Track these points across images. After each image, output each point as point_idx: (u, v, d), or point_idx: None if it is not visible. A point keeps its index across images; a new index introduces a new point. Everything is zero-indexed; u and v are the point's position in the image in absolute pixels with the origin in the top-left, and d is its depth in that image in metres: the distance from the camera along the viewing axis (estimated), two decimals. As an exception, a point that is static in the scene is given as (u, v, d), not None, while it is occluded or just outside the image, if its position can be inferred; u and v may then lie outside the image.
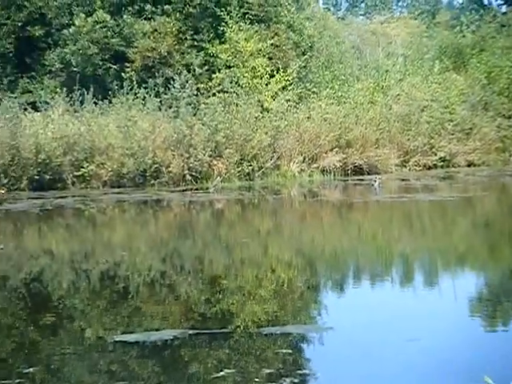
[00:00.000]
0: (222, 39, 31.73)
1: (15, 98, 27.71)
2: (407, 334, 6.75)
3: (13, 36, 33.28)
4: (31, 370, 5.89)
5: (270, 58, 31.52)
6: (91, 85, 28.39)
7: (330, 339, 6.71)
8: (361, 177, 28.00)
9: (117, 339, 6.71)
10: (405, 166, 30.97)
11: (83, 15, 32.08)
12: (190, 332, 6.86)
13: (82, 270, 10.75)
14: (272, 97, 30.28)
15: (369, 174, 28.59)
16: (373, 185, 23.94)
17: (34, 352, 6.54)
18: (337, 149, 28.88)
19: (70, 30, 32.09)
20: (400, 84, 34.56)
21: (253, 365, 6.01)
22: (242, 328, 7.14)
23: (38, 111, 27.09)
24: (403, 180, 27.37)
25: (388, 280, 10.09)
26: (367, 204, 20.11)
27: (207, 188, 24.29)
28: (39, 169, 24.46)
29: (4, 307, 8.59)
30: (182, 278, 10.15)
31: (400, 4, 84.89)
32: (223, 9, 31.40)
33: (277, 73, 30.82)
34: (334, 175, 28.60)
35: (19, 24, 33.24)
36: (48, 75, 32.93)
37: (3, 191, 23.68)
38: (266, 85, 30.69)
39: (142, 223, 17.32)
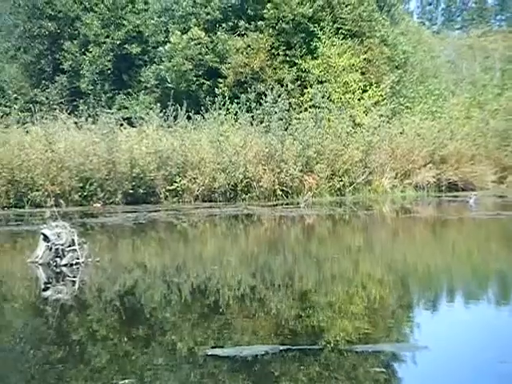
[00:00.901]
0: (315, 54, 31.79)
1: (112, 113, 28.52)
2: (503, 356, 6.51)
3: (111, 54, 34.34)
4: (126, 381, 5.96)
5: (363, 73, 31.34)
6: (185, 100, 28.95)
7: (423, 359, 6.54)
8: (455, 193, 27.43)
9: (208, 353, 6.73)
10: (502, 183, 30.22)
11: (179, 33, 32.79)
12: (281, 347, 6.81)
13: (173, 284, 10.87)
14: (364, 112, 30.09)
15: (464, 190, 28.01)
16: (468, 201, 23.41)
17: (128, 363, 6.63)
18: (430, 164, 28.44)
19: (166, 47, 32.88)
20: (498, 99, 33.79)
21: (344, 382, 5.91)
22: (332, 344, 7.04)
23: (133, 127, 27.76)
24: (500, 197, 26.63)
25: (484, 299, 9.77)
26: (462, 221, 19.62)
27: (298, 203, 24.26)
28: (133, 183, 25.01)
29: (99, 319, 8.76)
30: (272, 292, 10.12)
31: (498, 17, 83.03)
32: (316, 24, 31.49)
33: (369, 88, 30.61)
34: (428, 191, 28.14)
35: (117, 42, 34.29)
36: (143, 91, 33.78)
37: (99, 205, 24.31)
38: (359, 100, 30.53)
39: (233, 237, 17.42)
